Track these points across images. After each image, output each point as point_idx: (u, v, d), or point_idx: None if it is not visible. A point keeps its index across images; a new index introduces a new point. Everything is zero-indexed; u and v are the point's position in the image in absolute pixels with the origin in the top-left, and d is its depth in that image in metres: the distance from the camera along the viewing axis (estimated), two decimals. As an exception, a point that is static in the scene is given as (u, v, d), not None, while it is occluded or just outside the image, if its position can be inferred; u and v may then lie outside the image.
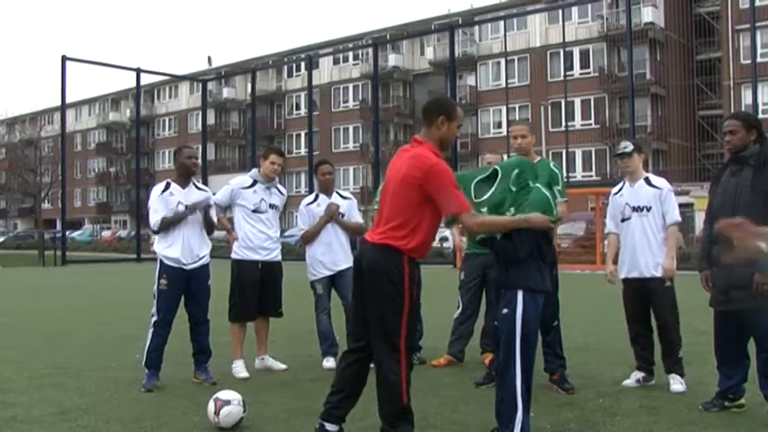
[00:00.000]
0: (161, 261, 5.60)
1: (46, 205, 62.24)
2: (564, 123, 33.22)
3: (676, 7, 40.96)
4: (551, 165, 5.83)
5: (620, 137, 36.59)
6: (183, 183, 5.73)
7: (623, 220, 5.50)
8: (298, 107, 55.07)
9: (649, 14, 39.06)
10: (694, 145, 40.79)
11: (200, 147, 33.33)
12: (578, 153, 40.09)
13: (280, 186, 6.31)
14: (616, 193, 5.63)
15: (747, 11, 29.05)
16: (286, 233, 36.56)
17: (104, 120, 68.54)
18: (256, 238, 5.98)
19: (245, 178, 6.20)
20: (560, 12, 32.19)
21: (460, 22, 39.95)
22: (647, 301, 5.43)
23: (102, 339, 7.91)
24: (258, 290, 5.97)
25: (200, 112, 34.23)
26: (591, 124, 40.34)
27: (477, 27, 44.14)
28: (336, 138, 52.11)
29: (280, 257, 6.22)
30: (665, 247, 5.36)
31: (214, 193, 6.06)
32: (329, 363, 6.23)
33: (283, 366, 6.17)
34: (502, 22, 36.69)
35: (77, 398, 5.12)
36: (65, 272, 22.13)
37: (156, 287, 5.58)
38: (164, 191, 5.66)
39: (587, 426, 4.34)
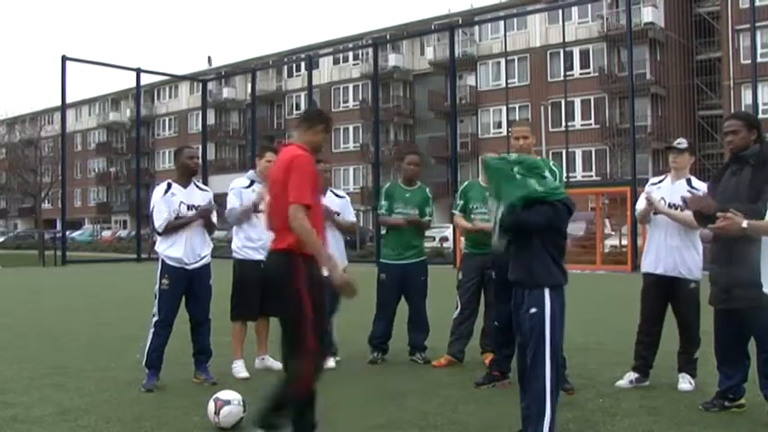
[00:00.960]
0: (163, 261, 5.60)
1: (46, 205, 62.23)
2: (564, 123, 33.21)
3: (676, 7, 40.97)
4: (551, 164, 5.77)
5: (620, 137, 36.65)
6: (185, 183, 5.74)
7: (655, 213, 5.45)
8: (298, 107, 55.04)
9: (649, 14, 39.06)
10: (694, 145, 40.77)
11: (201, 147, 33.35)
12: (578, 153, 40.09)
13: None
14: (654, 183, 5.60)
15: (747, 11, 29.04)
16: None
17: (104, 120, 68.54)
18: (258, 238, 5.96)
19: (242, 180, 6.24)
20: (560, 12, 32.18)
21: (460, 22, 39.94)
22: (665, 300, 5.41)
23: (102, 339, 7.91)
24: (259, 289, 5.87)
25: (201, 112, 34.22)
26: (591, 124, 40.34)
27: (477, 27, 44.13)
28: (336, 138, 52.08)
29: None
30: (694, 250, 5.32)
31: (215, 194, 6.05)
32: (329, 363, 6.19)
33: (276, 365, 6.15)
34: (502, 22, 36.68)
35: (77, 398, 5.12)
36: (65, 272, 22.13)
37: (157, 287, 5.58)
38: (166, 192, 5.67)
39: (587, 426, 4.34)
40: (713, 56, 40.60)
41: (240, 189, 6.12)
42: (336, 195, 6.61)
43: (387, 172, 46.59)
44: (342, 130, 51.94)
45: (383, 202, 6.71)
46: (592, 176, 39.60)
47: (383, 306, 6.58)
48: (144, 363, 5.53)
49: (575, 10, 39.36)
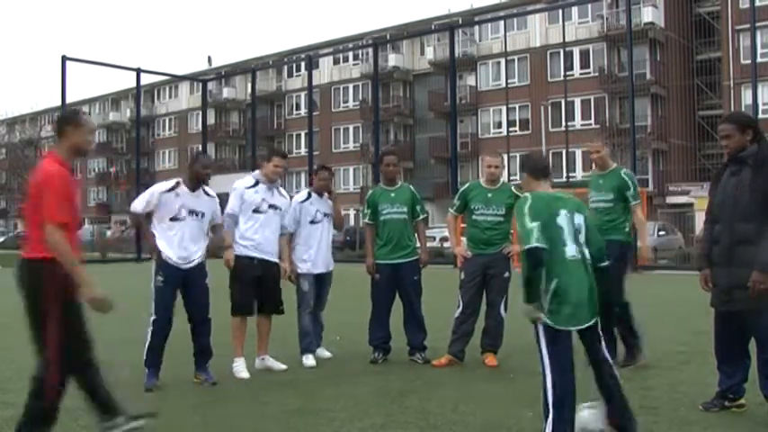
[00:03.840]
0: (158, 258, 5.64)
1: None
2: (564, 123, 33.22)
3: (676, 7, 40.97)
4: (622, 172, 6.28)
5: (621, 137, 36.62)
6: (193, 186, 5.78)
7: None
8: (298, 107, 55.08)
9: (649, 14, 39.06)
10: (694, 145, 40.79)
11: (201, 147, 33.33)
12: (578, 153, 40.07)
13: (282, 189, 6.42)
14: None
15: (747, 11, 29.03)
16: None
17: (104, 120, 68.54)
18: (256, 238, 6.06)
19: (248, 178, 6.32)
20: (560, 12, 32.20)
21: (460, 22, 39.95)
22: None
23: (101, 339, 7.89)
24: (256, 286, 6.04)
25: (201, 112, 34.21)
26: (591, 124, 40.32)
27: (477, 27, 44.14)
28: (336, 138, 52.13)
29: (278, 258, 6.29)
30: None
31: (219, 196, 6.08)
32: (309, 360, 6.41)
33: (283, 366, 6.17)
34: (502, 22, 36.69)
35: (77, 398, 5.12)
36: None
37: (152, 284, 5.61)
38: (170, 189, 5.72)
39: (587, 426, 4.33)
40: (713, 56, 40.60)
41: (243, 190, 6.17)
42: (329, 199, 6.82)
43: (387, 172, 46.61)
44: (342, 130, 51.96)
45: (366, 211, 6.72)
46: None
47: (377, 306, 6.60)
48: (144, 362, 5.53)
49: (575, 10, 39.36)
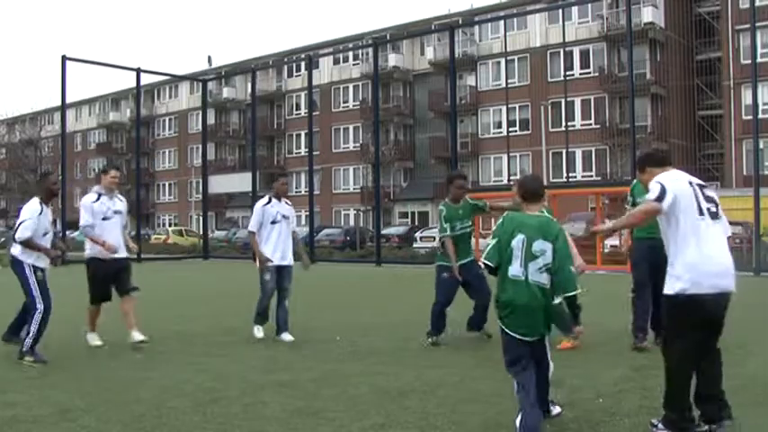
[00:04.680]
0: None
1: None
2: (564, 123, 33.20)
3: (676, 7, 40.98)
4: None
5: (621, 137, 36.66)
6: (49, 200, 6.90)
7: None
8: (298, 107, 55.07)
9: (649, 14, 39.06)
10: (694, 145, 40.80)
11: (201, 147, 33.33)
12: (578, 153, 40.09)
13: (120, 196, 7.68)
14: None
15: (747, 11, 29.04)
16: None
17: (104, 120, 68.54)
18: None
19: (91, 195, 7.41)
20: (560, 12, 32.19)
21: (460, 22, 39.93)
22: None
23: (101, 339, 7.91)
24: (111, 280, 7.33)
25: (201, 112, 34.19)
26: (591, 124, 40.34)
27: (477, 27, 44.14)
28: (336, 138, 52.13)
29: (126, 255, 7.54)
30: None
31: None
32: (260, 333, 7.70)
33: (142, 337, 7.13)
34: (502, 22, 36.70)
35: (77, 398, 5.12)
36: (64, 272, 22.12)
37: (34, 279, 6.95)
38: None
39: (587, 426, 4.34)
40: (713, 56, 40.60)
41: (91, 204, 7.29)
42: (287, 203, 7.95)
43: (387, 172, 46.62)
44: (342, 130, 51.96)
45: (445, 226, 7.38)
46: (592, 176, 39.61)
47: (445, 300, 7.41)
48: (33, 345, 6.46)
49: (575, 10, 39.36)
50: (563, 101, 32.11)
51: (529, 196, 4.28)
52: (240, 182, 31.56)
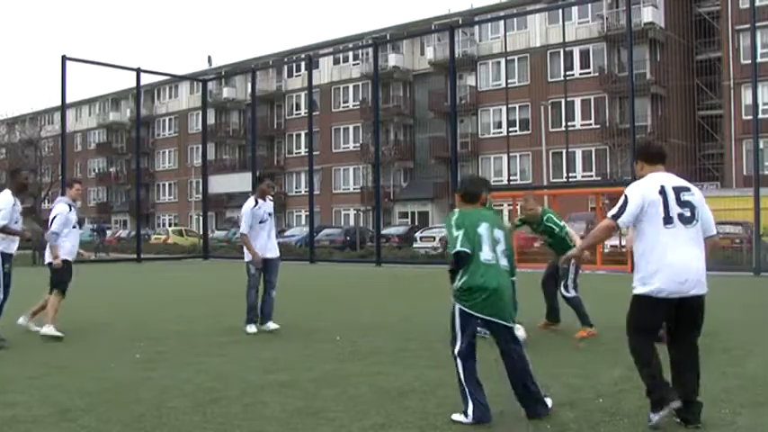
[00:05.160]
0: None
1: (46, 205, 62.19)
2: (564, 123, 33.19)
3: (676, 7, 40.97)
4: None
5: (621, 137, 36.66)
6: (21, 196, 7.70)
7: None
8: (298, 107, 55.06)
9: (649, 14, 39.06)
10: (694, 145, 40.80)
11: (201, 147, 33.32)
12: (578, 153, 40.09)
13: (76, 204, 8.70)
14: None
15: (747, 11, 29.04)
16: (286, 233, 36.59)
17: (104, 120, 68.53)
18: (68, 246, 8.21)
19: (63, 205, 8.21)
20: (560, 12, 32.17)
21: (460, 22, 39.94)
22: None
23: (102, 339, 7.92)
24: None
25: (201, 112, 34.21)
26: (591, 124, 40.34)
27: (477, 27, 44.14)
28: (336, 138, 52.13)
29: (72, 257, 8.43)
30: None
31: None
32: (252, 329, 8.08)
33: (37, 329, 8.05)
34: (502, 22, 36.68)
35: (77, 398, 5.12)
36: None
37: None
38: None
39: (587, 426, 4.34)
40: (713, 56, 40.61)
41: (66, 214, 8.06)
42: (270, 201, 8.52)
43: (387, 172, 46.63)
44: (342, 130, 51.96)
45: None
46: (592, 176, 39.61)
47: None
48: None
49: (575, 10, 39.36)
50: (563, 101, 32.09)
51: (469, 198, 4.80)
52: (240, 182, 31.55)
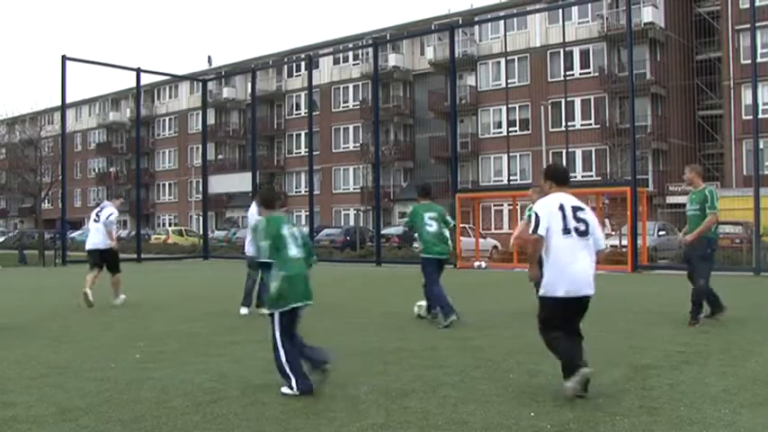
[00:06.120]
0: None
1: (46, 205, 62.20)
2: (564, 123, 33.22)
3: (676, 7, 40.97)
4: (706, 190, 8.59)
5: (621, 137, 36.66)
6: None
7: None
8: (298, 107, 55.07)
9: (649, 14, 39.06)
10: (694, 145, 40.79)
11: (201, 147, 33.31)
12: (578, 153, 40.09)
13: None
14: None
15: (747, 11, 29.04)
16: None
17: (104, 120, 68.53)
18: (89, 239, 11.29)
19: (114, 209, 11.18)
20: (560, 12, 32.19)
21: (460, 22, 39.96)
22: None
23: (102, 339, 7.91)
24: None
25: (201, 112, 34.22)
26: (591, 124, 40.34)
27: (477, 27, 44.14)
28: (336, 138, 52.13)
29: (104, 247, 11.21)
30: None
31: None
32: (244, 311, 9.71)
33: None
34: (502, 22, 36.71)
35: (77, 398, 5.12)
36: (65, 272, 22.12)
37: None
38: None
39: (587, 426, 4.34)
40: (713, 56, 40.60)
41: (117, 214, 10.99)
42: None
43: (387, 172, 46.64)
44: (342, 130, 51.96)
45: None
46: (592, 176, 39.61)
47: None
48: None
49: (575, 10, 39.36)
50: (563, 101, 32.12)
51: (268, 204, 5.63)
52: (240, 182, 31.58)
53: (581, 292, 5.05)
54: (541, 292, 5.13)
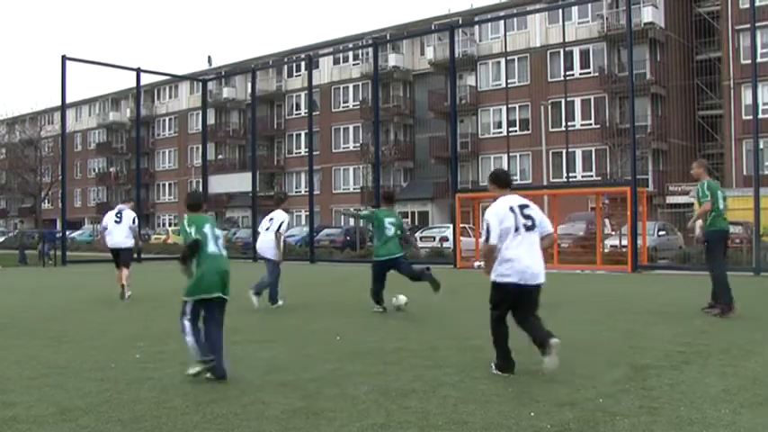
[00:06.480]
0: None
1: (46, 205, 62.20)
2: (564, 123, 33.21)
3: (676, 7, 40.98)
4: (699, 183, 9.10)
5: (621, 137, 36.66)
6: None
7: None
8: (298, 107, 55.07)
9: (649, 14, 39.08)
10: (694, 145, 40.80)
11: (201, 147, 33.31)
12: (578, 153, 40.11)
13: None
14: None
15: (747, 11, 29.04)
16: (287, 233, 36.52)
17: (104, 120, 68.54)
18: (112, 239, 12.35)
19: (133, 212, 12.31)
20: (560, 12, 32.18)
21: (460, 22, 39.96)
22: None
23: (102, 339, 7.91)
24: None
25: (201, 112, 34.22)
26: (591, 124, 40.35)
27: (477, 27, 44.15)
28: (336, 138, 52.14)
29: (127, 245, 12.49)
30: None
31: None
32: (254, 299, 10.19)
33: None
34: (502, 22, 36.70)
35: (77, 398, 5.12)
36: (65, 272, 22.13)
37: None
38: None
39: (587, 426, 4.34)
40: (713, 56, 40.62)
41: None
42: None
43: (387, 172, 46.65)
44: (342, 130, 51.97)
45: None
46: (592, 176, 39.62)
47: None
48: None
49: (575, 10, 39.37)
50: (563, 101, 32.11)
51: (194, 207, 6.11)
52: (240, 182, 31.58)
53: (528, 281, 5.62)
54: (493, 278, 5.71)
